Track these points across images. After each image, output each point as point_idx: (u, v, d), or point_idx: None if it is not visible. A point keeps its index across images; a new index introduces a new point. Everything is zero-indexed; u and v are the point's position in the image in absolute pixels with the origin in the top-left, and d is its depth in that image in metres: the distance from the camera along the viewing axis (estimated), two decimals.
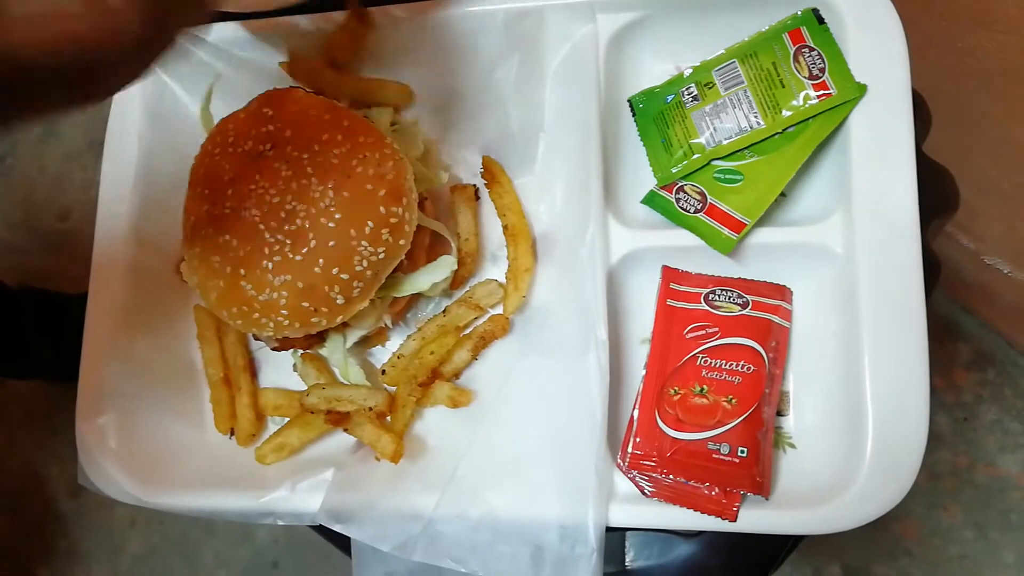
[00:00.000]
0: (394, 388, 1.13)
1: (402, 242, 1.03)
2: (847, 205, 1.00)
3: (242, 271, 1.01)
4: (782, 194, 1.10)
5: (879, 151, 0.99)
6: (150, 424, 1.17)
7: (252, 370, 1.20)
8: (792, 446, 1.02)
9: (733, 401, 0.99)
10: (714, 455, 0.97)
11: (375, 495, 1.05)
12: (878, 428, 0.94)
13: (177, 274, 1.23)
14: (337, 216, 0.99)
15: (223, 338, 1.19)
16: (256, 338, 1.16)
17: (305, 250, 0.99)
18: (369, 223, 1.00)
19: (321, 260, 0.99)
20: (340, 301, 1.01)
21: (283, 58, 1.20)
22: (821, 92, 1.01)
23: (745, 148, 1.05)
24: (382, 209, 1.00)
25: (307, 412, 1.11)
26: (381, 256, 1.01)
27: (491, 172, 1.14)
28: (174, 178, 1.18)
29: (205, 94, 1.21)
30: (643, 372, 1.05)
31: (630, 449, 1.01)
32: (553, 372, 1.06)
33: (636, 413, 1.02)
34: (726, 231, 1.02)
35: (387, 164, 1.02)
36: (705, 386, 1.00)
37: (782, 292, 1.05)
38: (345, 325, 1.10)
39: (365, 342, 1.18)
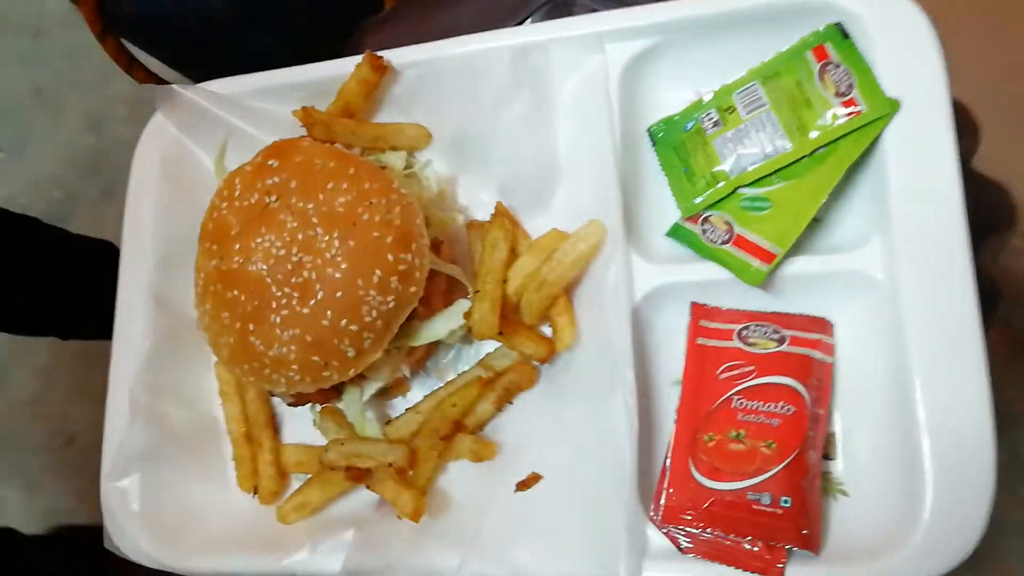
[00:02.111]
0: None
1: (413, 289, 0.99)
2: (886, 228, 0.92)
3: (251, 326, 0.99)
4: (816, 219, 1.02)
5: (918, 169, 0.91)
6: (174, 484, 1.15)
7: (274, 426, 1.17)
8: (843, 493, 0.94)
9: (773, 446, 0.91)
10: (754, 506, 0.89)
11: (397, 556, 1.00)
12: (938, 469, 0.85)
13: (198, 331, 1.21)
14: (343, 266, 0.96)
15: (244, 394, 1.17)
16: (272, 394, 1.13)
17: (312, 302, 0.96)
18: (377, 272, 0.96)
19: (329, 312, 0.96)
20: (351, 354, 0.98)
21: (297, 108, 1.19)
22: (850, 110, 0.94)
23: (772, 173, 0.98)
24: (390, 256, 0.97)
25: (327, 469, 1.07)
26: (391, 305, 0.97)
27: (508, 217, 1.09)
28: (192, 235, 1.17)
29: (218, 149, 1.21)
30: (674, 417, 0.98)
31: (663, 501, 0.93)
32: (579, 419, 1.00)
33: (668, 462, 0.96)
34: (756, 262, 0.96)
35: (394, 210, 0.99)
36: (742, 430, 0.93)
37: (822, 325, 0.98)
38: (362, 377, 1.07)
39: (384, 394, 1.14)
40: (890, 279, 0.92)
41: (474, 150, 1.15)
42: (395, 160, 1.16)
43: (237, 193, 1.03)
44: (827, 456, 0.95)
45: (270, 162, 1.03)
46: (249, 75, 1.23)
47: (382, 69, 1.13)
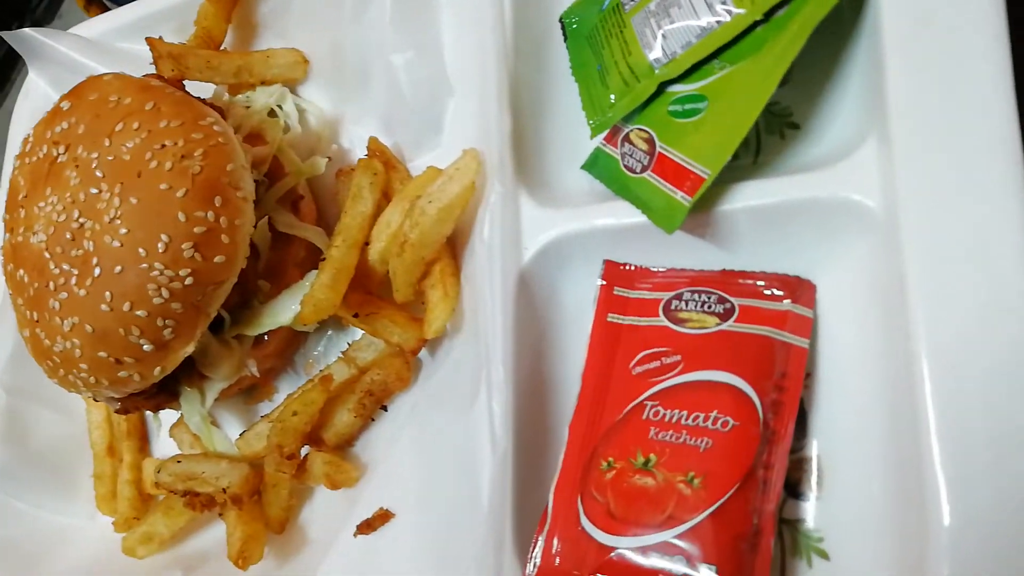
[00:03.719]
0: None
1: (219, 259, 0.73)
2: (882, 124, 0.56)
3: (35, 315, 0.77)
4: (794, 125, 0.67)
5: (931, 21, 0.55)
6: (34, 509, 0.96)
7: (141, 435, 0.96)
8: (821, 554, 0.59)
9: (696, 481, 0.58)
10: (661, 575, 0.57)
11: None
12: (959, 512, 0.50)
13: None
14: (123, 231, 0.72)
15: None
16: (95, 398, 0.92)
17: (89, 281, 0.73)
18: (163, 237, 0.71)
19: (108, 293, 0.72)
20: (148, 348, 0.74)
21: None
22: None
23: (712, 56, 0.64)
24: (181, 216, 0.72)
25: (168, 492, 0.84)
26: (188, 282, 0.72)
27: (381, 157, 0.81)
28: None
29: None
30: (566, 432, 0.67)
31: (538, 557, 0.63)
32: (441, 433, 0.71)
33: (551, 499, 0.64)
34: (678, 194, 0.62)
35: (194, 153, 0.73)
36: (652, 455, 0.60)
37: (795, 288, 0.63)
38: (202, 377, 0.83)
39: (247, 397, 0.89)
40: (887, 207, 0.56)
41: (348, 74, 0.88)
42: (264, 97, 0.91)
43: (28, 147, 0.82)
44: (796, 493, 0.60)
45: (63, 104, 0.81)
46: (119, 9, 1.03)
47: None
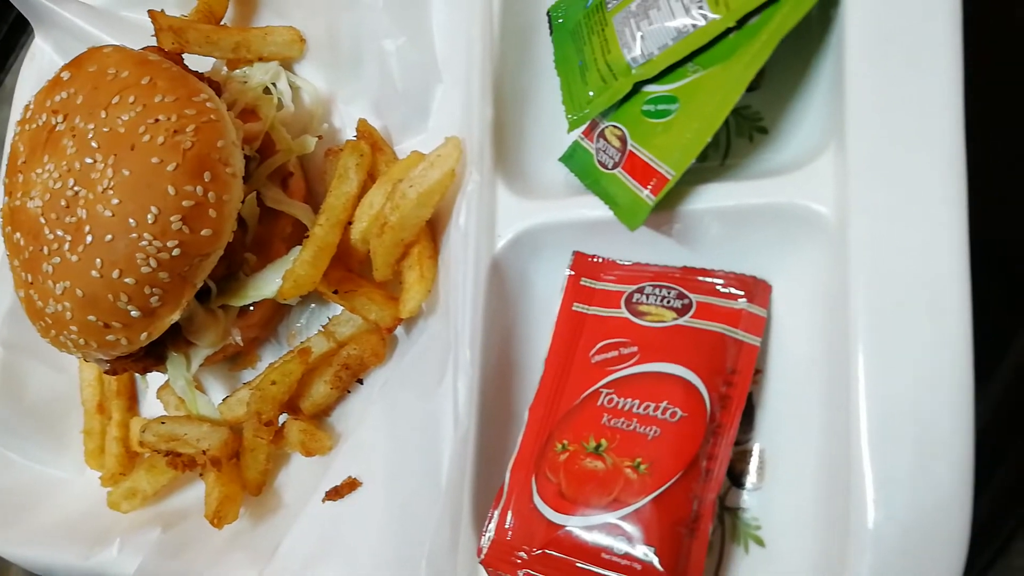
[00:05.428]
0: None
1: (206, 232, 0.76)
2: (840, 135, 0.58)
3: (29, 277, 0.81)
4: (762, 130, 0.69)
5: (893, 39, 0.57)
6: (25, 460, 1.01)
7: (131, 394, 1.00)
8: (758, 541, 0.62)
9: (643, 467, 0.61)
10: (604, 555, 0.60)
11: (196, 567, 0.80)
12: (885, 509, 0.53)
13: None
14: (115, 202, 0.75)
15: None
16: (85, 358, 0.95)
17: (81, 248, 0.76)
18: (153, 209, 0.74)
19: (98, 260, 0.75)
20: (135, 314, 0.77)
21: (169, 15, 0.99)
22: None
23: (687, 59, 0.66)
24: (170, 189, 0.75)
25: (152, 451, 0.88)
26: (175, 253, 0.75)
27: (369, 139, 0.83)
28: None
29: None
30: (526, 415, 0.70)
31: (491, 532, 0.66)
32: (409, 409, 0.74)
33: (507, 477, 0.68)
34: (643, 192, 0.64)
35: (186, 129, 0.76)
36: (603, 440, 0.63)
37: (751, 288, 0.65)
38: (188, 343, 0.86)
39: (233, 363, 0.93)
40: (839, 215, 0.58)
41: (343, 55, 0.90)
42: (260, 74, 0.93)
43: (28, 114, 0.84)
44: (738, 483, 0.63)
45: (63, 74, 0.83)
46: None
47: None
